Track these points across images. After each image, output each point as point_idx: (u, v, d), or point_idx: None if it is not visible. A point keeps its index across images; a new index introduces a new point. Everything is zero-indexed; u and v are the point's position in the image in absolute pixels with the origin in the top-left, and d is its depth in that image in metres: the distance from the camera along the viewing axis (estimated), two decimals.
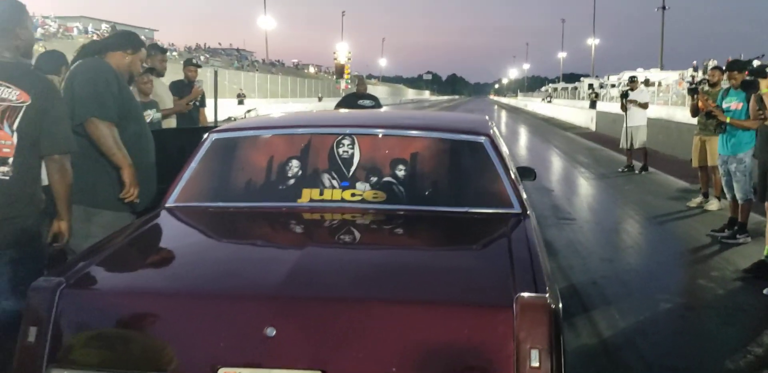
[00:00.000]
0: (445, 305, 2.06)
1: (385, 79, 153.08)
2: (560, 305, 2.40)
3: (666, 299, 4.95)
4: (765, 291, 4.95)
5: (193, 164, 3.17)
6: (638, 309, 4.67)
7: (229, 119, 13.42)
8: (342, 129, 3.20)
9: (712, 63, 34.84)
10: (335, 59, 38.84)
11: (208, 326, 2.07)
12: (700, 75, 27.32)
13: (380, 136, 3.18)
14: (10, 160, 2.75)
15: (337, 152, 3.10)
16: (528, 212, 2.91)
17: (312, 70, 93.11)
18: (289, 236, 2.94)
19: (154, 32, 71.12)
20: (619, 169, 12.86)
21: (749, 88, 6.05)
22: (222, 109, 13.51)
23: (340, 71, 37.97)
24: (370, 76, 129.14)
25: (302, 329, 2.01)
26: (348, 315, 2.04)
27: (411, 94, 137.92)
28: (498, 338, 1.95)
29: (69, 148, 2.90)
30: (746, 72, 6.61)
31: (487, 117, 4.06)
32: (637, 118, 12.49)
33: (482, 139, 3.13)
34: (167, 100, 6.14)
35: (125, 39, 3.70)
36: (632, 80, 13.19)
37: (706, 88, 8.68)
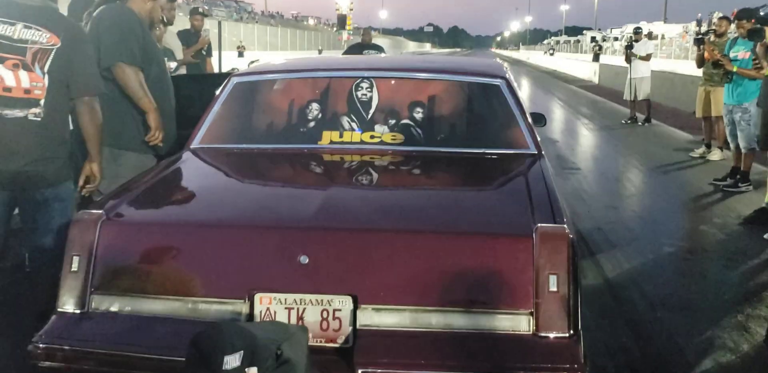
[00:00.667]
0: (470, 234, 2.18)
1: (386, 32, 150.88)
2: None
3: (669, 243, 5.09)
4: (765, 236, 5.09)
5: (216, 107, 3.25)
6: (642, 253, 4.81)
7: (233, 70, 13.39)
8: (360, 72, 3.27)
9: (717, 15, 34.41)
10: (337, 10, 38.22)
11: (245, 255, 2.19)
12: (704, 28, 27.02)
13: (398, 79, 3.25)
14: (42, 101, 2.82)
15: (356, 95, 3.18)
16: (543, 153, 3.01)
17: (311, 22, 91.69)
18: (314, 174, 3.05)
19: None
20: (623, 121, 12.91)
21: (755, 36, 6.06)
22: (224, 61, 13.42)
23: (342, 22, 37.36)
24: (370, 29, 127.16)
25: (334, 257, 2.14)
26: (377, 245, 2.16)
27: (412, 46, 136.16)
28: (519, 266, 2.08)
29: (98, 90, 2.97)
30: (753, 20, 6.61)
31: (501, 60, 4.11)
32: (640, 70, 12.46)
33: (498, 81, 3.21)
34: (176, 50, 6.16)
35: None
36: (636, 32, 13.11)
37: (713, 38, 8.66)
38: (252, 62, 14.90)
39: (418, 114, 3.15)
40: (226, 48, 33.63)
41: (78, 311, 2.21)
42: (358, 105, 3.17)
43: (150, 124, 3.42)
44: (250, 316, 2.14)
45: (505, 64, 3.89)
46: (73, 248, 2.26)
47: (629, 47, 12.76)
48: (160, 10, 3.89)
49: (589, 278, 4.24)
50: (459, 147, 3.09)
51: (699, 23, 35.65)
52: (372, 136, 3.10)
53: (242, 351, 1.60)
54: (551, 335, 2.03)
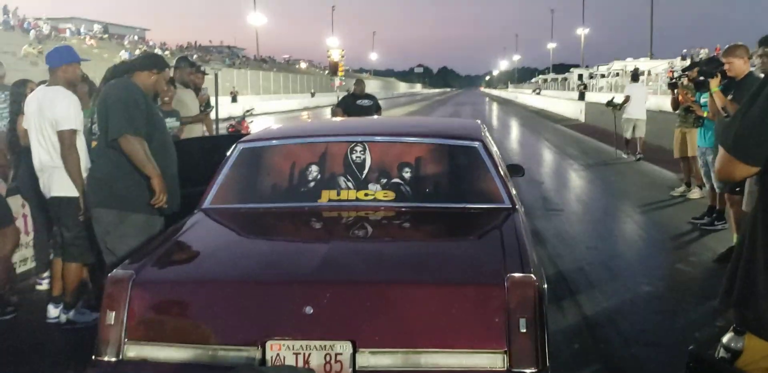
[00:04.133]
0: (452, 284, 2.55)
1: (377, 73, 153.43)
2: (545, 285, 2.88)
3: (646, 282, 5.42)
4: None
5: (225, 171, 3.63)
6: (620, 292, 5.15)
7: (229, 119, 13.82)
8: (355, 137, 3.67)
9: (703, 52, 35.32)
10: (329, 57, 39.23)
11: (257, 307, 2.54)
12: (688, 63, 27.84)
13: (388, 142, 3.66)
14: None
15: (351, 158, 3.57)
16: (517, 207, 3.39)
17: (303, 65, 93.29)
18: (316, 231, 3.41)
19: (146, 31, 71.16)
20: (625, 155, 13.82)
21: (701, 87, 6.59)
22: (219, 107, 13.91)
23: (334, 69, 38.38)
24: (361, 70, 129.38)
25: (334, 307, 2.49)
26: (373, 295, 2.51)
27: (403, 87, 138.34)
28: (494, 310, 2.43)
29: None
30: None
31: (479, 121, 4.54)
32: (635, 112, 13.41)
33: (476, 144, 3.61)
34: (194, 108, 6.56)
35: (151, 60, 4.13)
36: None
37: (686, 82, 9.15)
38: (248, 110, 15.27)
39: (407, 173, 3.54)
40: (220, 93, 34.37)
41: (113, 359, 2.54)
42: (353, 166, 3.56)
43: (154, 189, 3.78)
44: (263, 361, 2.47)
45: (483, 125, 4.31)
46: (108, 303, 2.60)
47: (610, 104, 13.79)
48: (164, 83, 4.28)
49: (568, 317, 4.57)
50: (443, 202, 3.48)
51: (684, 58, 36.66)
52: (366, 194, 3.48)
53: None
54: (523, 371, 2.36)
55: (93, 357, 2.58)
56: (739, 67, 5.64)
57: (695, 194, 9.02)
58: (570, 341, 4.15)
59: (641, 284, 5.35)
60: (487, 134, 4.02)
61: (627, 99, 13.43)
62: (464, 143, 3.66)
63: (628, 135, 13.73)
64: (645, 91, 14.83)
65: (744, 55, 5.61)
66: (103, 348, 2.56)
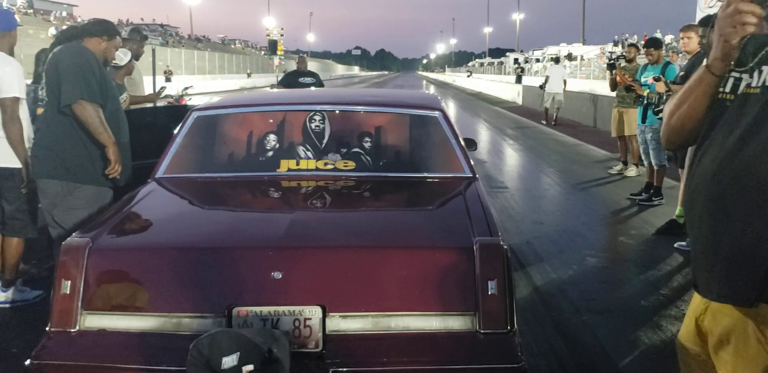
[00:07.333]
0: (422, 248, 2.53)
1: (314, 55, 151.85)
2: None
3: (591, 254, 5.58)
4: (675, 245, 5.65)
5: (178, 140, 3.51)
6: (567, 264, 5.27)
7: (166, 97, 13.43)
8: (313, 106, 3.60)
9: (632, 39, 36.57)
10: (268, 35, 38.40)
11: (223, 273, 2.47)
12: (619, 49, 28.71)
13: (348, 112, 3.61)
14: None
15: (310, 127, 3.51)
16: (476, 176, 3.40)
17: (239, 45, 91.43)
18: (278, 199, 3.35)
19: (74, 8, 68.27)
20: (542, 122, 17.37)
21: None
22: (155, 86, 13.49)
23: (273, 47, 37.54)
24: (298, 51, 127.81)
25: (304, 272, 2.44)
26: (342, 260, 2.48)
27: (341, 69, 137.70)
28: (463, 273, 2.43)
29: None
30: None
31: (434, 92, 4.53)
32: (554, 87, 17.07)
33: (437, 113, 3.60)
34: (142, 85, 6.31)
35: (102, 26, 3.95)
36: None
37: (623, 64, 9.40)
38: (186, 88, 14.88)
39: (367, 143, 3.51)
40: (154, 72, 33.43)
41: (70, 330, 2.43)
42: (312, 136, 3.50)
43: (109, 158, 3.63)
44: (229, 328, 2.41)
45: (439, 96, 4.30)
46: (63, 272, 2.48)
47: (542, 87, 18.00)
48: (114, 50, 4.10)
49: (520, 287, 4.65)
50: (404, 172, 3.46)
51: (615, 44, 37.73)
52: (326, 164, 3.43)
53: (238, 352, 1.89)
54: (492, 332, 2.38)
55: (48, 329, 2.46)
56: (695, 42, 5.94)
57: (632, 171, 9.32)
58: (524, 310, 4.22)
59: (587, 256, 5.49)
60: (445, 106, 4.02)
61: (547, 79, 17.16)
62: (425, 113, 3.65)
63: (548, 105, 17.59)
64: (563, 72, 17.97)
65: (700, 33, 5.84)
66: (59, 319, 2.45)
